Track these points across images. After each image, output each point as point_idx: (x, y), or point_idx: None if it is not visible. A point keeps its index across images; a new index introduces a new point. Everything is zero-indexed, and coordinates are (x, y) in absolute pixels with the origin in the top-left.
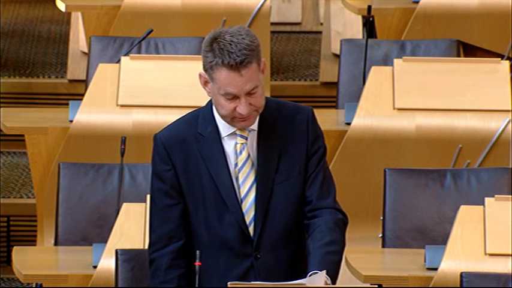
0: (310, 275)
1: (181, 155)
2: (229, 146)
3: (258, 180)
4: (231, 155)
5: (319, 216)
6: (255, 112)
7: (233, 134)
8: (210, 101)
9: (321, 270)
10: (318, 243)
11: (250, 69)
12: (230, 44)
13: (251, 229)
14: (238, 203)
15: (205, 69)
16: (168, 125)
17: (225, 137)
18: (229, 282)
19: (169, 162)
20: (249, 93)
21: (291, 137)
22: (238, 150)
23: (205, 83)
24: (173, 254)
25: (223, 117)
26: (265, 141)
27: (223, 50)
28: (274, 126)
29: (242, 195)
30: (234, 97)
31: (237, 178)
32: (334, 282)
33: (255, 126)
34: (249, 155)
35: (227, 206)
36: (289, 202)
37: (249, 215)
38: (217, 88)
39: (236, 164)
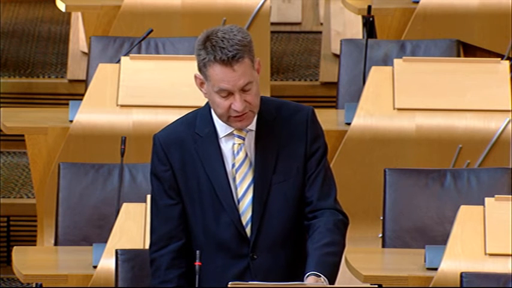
0: (307, 277)
1: (179, 156)
2: (226, 146)
3: (256, 180)
4: (229, 156)
5: (319, 217)
6: (250, 112)
7: (230, 134)
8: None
9: (318, 271)
10: (316, 245)
11: (243, 64)
12: (222, 40)
13: (248, 230)
14: (234, 204)
15: (199, 68)
16: (167, 126)
17: (223, 138)
18: (230, 283)
19: (167, 162)
20: (243, 90)
21: (289, 137)
22: (235, 150)
23: (200, 84)
24: (173, 254)
25: (219, 116)
26: (262, 141)
27: (215, 46)
28: (272, 126)
29: (239, 195)
30: (229, 94)
31: (234, 179)
32: (332, 283)
33: (252, 126)
34: (246, 156)
35: (223, 207)
36: (286, 203)
37: (246, 216)
38: (212, 86)
39: (233, 165)
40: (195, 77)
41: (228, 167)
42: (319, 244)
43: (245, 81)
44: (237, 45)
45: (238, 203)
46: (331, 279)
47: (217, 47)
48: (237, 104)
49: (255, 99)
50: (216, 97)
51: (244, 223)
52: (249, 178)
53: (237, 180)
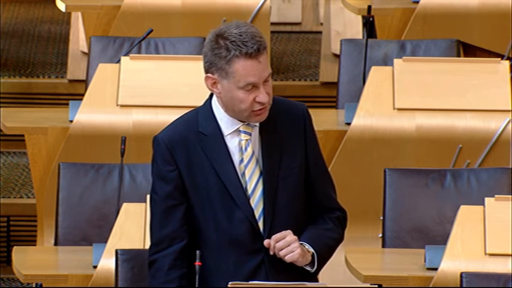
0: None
1: (184, 155)
2: (232, 143)
3: (264, 175)
4: (235, 152)
5: (324, 215)
6: (268, 105)
7: (236, 131)
8: (209, 100)
9: (308, 243)
10: (316, 225)
11: (265, 56)
12: (240, 35)
13: (260, 224)
14: (247, 199)
15: (216, 68)
16: (167, 126)
17: (228, 135)
18: (230, 282)
19: (172, 162)
20: (264, 81)
21: (289, 133)
22: (243, 146)
23: (213, 84)
24: (175, 255)
25: (241, 112)
26: (266, 137)
27: (235, 42)
28: (273, 122)
29: (250, 191)
30: (253, 87)
31: (243, 174)
32: (320, 264)
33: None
34: (253, 151)
35: (236, 203)
36: (293, 197)
37: (258, 210)
38: (236, 82)
39: (242, 160)
40: (206, 77)
41: (236, 163)
42: (319, 226)
43: (268, 72)
44: (256, 37)
45: (250, 198)
46: (320, 259)
47: (238, 42)
48: (263, 96)
49: (271, 91)
50: (240, 93)
51: (256, 217)
52: (257, 173)
53: (246, 176)
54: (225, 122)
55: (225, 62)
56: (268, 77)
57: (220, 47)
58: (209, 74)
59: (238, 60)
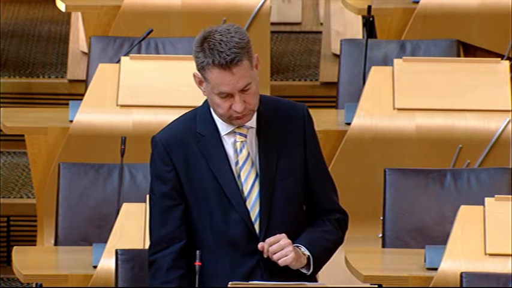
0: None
1: (182, 156)
2: (229, 144)
3: (260, 177)
4: (231, 153)
5: (324, 217)
6: (250, 111)
7: (232, 132)
8: (207, 100)
9: (305, 246)
10: (314, 227)
11: (242, 67)
12: (220, 43)
13: (256, 226)
14: (243, 201)
15: (198, 69)
16: (166, 127)
17: (224, 136)
18: (230, 282)
19: (170, 163)
20: (242, 90)
21: (288, 134)
22: (238, 148)
23: (200, 83)
24: (174, 255)
25: (219, 116)
26: (264, 139)
27: (213, 50)
28: (271, 123)
29: (246, 193)
30: (228, 95)
31: (239, 176)
32: (317, 267)
33: (253, 123)
34: (249, 153)
35: (232, 204)
36: (290, 199)
37: (254, 212)
38: (211, 88)
39: (237, 162)
40: (194, 75)
41: (233, 164)
42: (317, 228)
43: (244, 83)
44: (234, 48)
45: (246, 200)
46: (316, 262)
47: (215, 51)
48: (237, 106)
49: (254, 98)
50: (216, 98)
51: (252, 219)
52: (253, 175)
53: (242, 178)
54: (221, 123)
55: (201, 67)
56: (246, 86)
57: (200, 51)
58: (196, 73)
59: (212, 69)
